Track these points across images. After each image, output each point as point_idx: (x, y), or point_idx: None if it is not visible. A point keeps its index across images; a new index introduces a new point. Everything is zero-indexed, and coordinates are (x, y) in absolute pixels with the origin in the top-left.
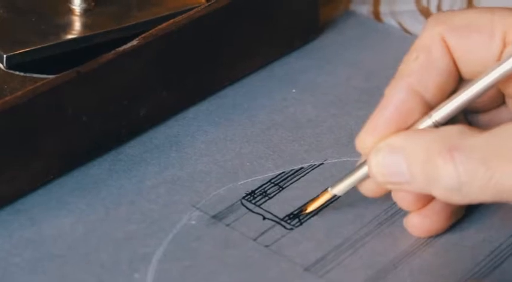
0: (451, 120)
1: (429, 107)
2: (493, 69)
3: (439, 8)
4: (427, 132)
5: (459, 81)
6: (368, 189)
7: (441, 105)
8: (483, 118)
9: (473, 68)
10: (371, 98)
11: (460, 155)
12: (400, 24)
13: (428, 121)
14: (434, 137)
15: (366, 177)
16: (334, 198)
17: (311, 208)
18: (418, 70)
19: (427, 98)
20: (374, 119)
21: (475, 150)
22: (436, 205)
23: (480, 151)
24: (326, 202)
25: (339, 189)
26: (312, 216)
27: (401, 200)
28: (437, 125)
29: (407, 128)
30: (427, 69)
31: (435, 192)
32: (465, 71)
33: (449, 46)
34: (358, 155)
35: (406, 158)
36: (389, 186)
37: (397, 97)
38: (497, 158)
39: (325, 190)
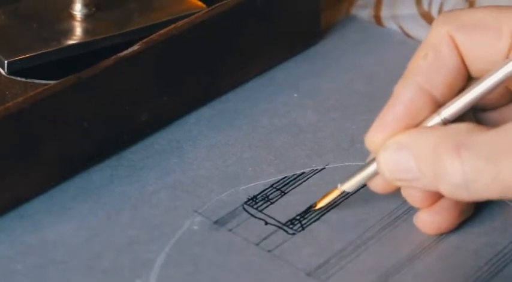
0: (460, 117)
1: (438, 105)
2: (501, 67)
3: (440, 12)
4: (435, 129)
5: (467, 79)
6: (377, 186)
7: (450, 102)
8: (491, 116)
9: (481, 66)
10: (372, 102)
11: (466, 152)
12: (401, 28)
13: (437, 118)
14: (442, 134)
15: (375, 174)
16: (343, 195)
17: (321, 204)
18: (426, 68)
19: (436, 96)
20: (383, 117)
21: (482, 148)
22: (446, 202)
23: (487, 148)
24: (335, 199)
25: (349, 185)
26: (315, 221)
27: (411, 197)
28: (446, 122)
29: (416, 126)
30: (435, 67)
31: (442, 189)
32: (473, 69)
33: (458, 44)
34: (360, 159)
35: (414, 155)
36: (398, 183)
37: (405, 95)
38: (504, 155)
39: (335, 187)
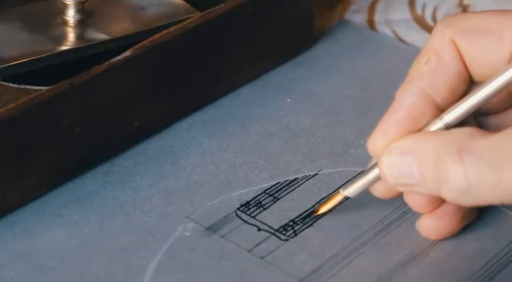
0: (462, 122)
1: (440, 110)
2: (503, 72)
3: (433, 17)
4: (437, 134)
5: (470, 84)
6: (379, 191)
7: (452, 107)
8: (493, 120)
9: (483, 71)
10: (366, 107)
11: (469, 157)
12: (394, 33)
13: (439, 123)
14: (444, 139)
15: (377, 179)
16: (345, 200)
17: (323, 210)
18: (428, 73)
19: (438, 101)
20: (385, 122)
21: (484, 152)
22: (448, 207)
23: (489, 153)
24: (337, 204)
25: (351, 190)
26: (307, 227)
27: (414, 202)
28: (448, 127)
29: (418, 131)
30: (437, 72)
31: (445, 194)
32: (476, 73)
33: (460, 49)
34: (353, 165)
35: (416, 159)
36: (400, 188)
37: (408, 100)
38: (506, 160)
39: (337, 191)
